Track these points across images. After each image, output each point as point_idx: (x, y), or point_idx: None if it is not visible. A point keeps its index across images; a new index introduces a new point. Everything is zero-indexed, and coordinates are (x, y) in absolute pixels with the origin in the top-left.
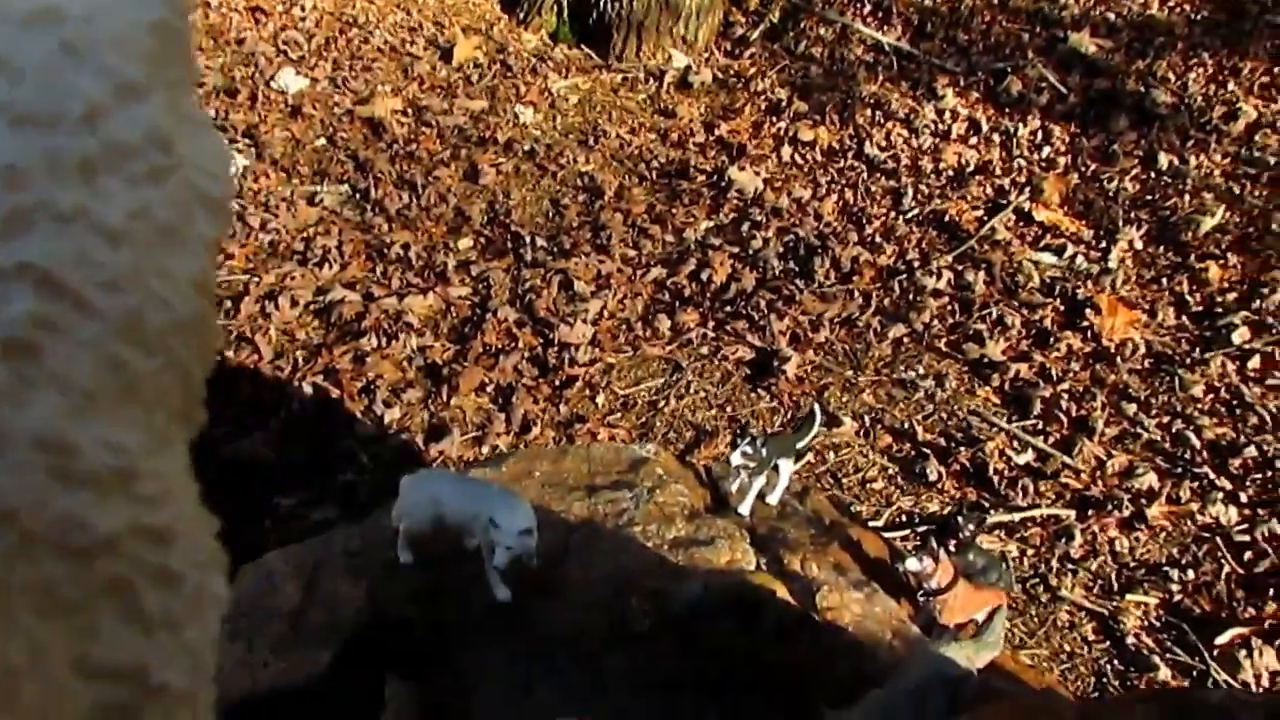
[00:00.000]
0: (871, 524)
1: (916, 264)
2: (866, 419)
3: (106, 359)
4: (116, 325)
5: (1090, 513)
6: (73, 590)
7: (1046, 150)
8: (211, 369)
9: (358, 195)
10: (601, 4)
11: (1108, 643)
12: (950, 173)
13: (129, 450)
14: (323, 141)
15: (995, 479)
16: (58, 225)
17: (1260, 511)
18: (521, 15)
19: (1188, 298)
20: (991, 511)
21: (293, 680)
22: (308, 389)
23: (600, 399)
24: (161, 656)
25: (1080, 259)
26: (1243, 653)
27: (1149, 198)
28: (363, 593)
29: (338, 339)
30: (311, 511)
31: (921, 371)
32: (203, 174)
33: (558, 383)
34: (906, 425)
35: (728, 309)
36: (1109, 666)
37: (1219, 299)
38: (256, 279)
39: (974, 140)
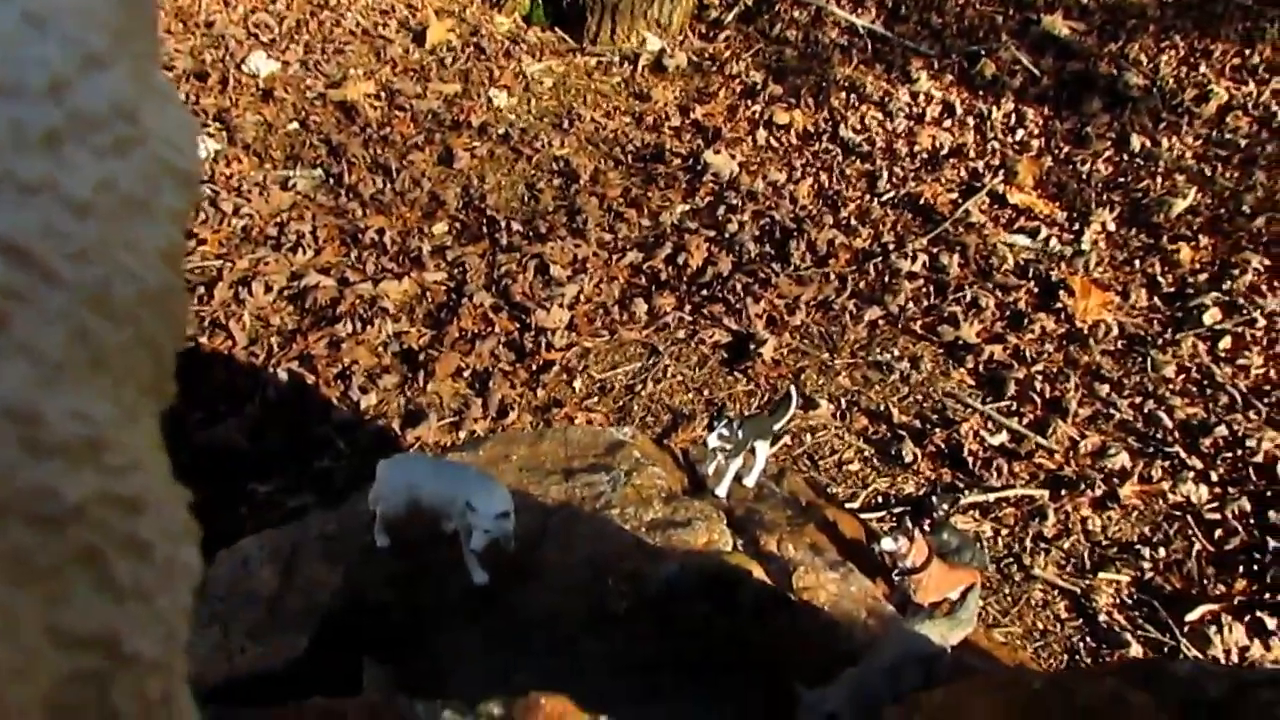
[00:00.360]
0: (848, 505)
1: (891, 247)
2: (842, 401)
3: (75, 330)
4: (85, 296)
5: (1063, 492)
6: (43, 559)
7: (1020, 133)
8: (182, 341)
9: (331, 180)
10: None
11: (1080, 620)
12: (925, 156)
13: (98, 421)
14: (295, 125)
15: (970, 460)
16: (23, 196)
17: (1230, 490)
18: None
19: (1160, 279)
20: (966, 492)
21: (270, 665)
22: (283, 375)
23: (577, 383)
24: (133, 625)
25: (1054, 241)
26: (1213, 629)
27: (1121, 180)
28: (340, 577)
29: (313, 325)
30: (288, 498)
31: (897, 354)
32: (169, 145)
33: (534, 367)
34: (882, 407)
35: (704, 292)
36: (1081, 644)
37: (1190, 280)
38: (230, 264)
39: (948, 123)
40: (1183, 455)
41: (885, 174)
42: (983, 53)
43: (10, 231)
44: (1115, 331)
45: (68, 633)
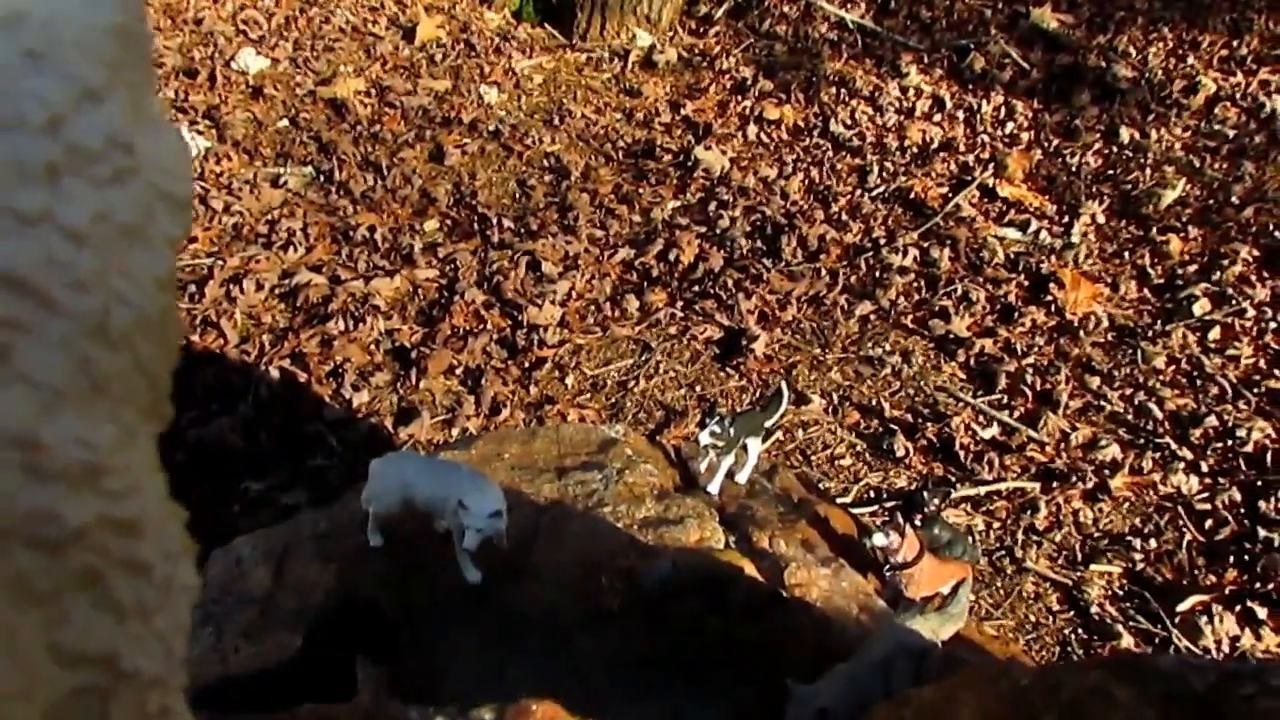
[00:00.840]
0: (840, 500)
1: (882, 241)
2: (834, 396)
3: (75, 357)
4: (83, 324)
5: (1055, 485)
6: (45, 581)
7: (1010, 126)
8: (176, 364)
9: (322, 177)
10: None
11: (1072, 612)
12: (915, 150)
13: (97, 446)
14: (285, 123)
15: (961, 453)
16: (23, 228)
17: (1221, 480)
18: None
19: (1149, 271)
20: (957, 485)
21: (263, 665)
22: (275, 373)
23: (569, 380)
24: (133, 643)
25: (1044, 234)
26: (1204, 619)
27: (1111, 172)
28: (332, 576)
29: (304, 322)
30: (281, 496)
31: (888, 348)
32: (164, 173)
33: (527, 364)
34: (874, 402)
35: (696, 288)
36: (1073, 636)
37: (1180, 271)
38: (221, 262)
39: (938, 117)
40: (1173, 446)
41: (876, 169)
42: (972, 46)
43: (10, 262)
44: (1105, 323)
45: (69, 652)
